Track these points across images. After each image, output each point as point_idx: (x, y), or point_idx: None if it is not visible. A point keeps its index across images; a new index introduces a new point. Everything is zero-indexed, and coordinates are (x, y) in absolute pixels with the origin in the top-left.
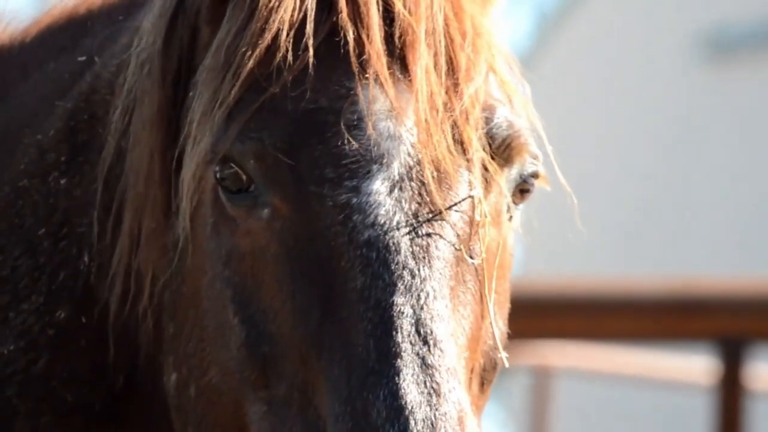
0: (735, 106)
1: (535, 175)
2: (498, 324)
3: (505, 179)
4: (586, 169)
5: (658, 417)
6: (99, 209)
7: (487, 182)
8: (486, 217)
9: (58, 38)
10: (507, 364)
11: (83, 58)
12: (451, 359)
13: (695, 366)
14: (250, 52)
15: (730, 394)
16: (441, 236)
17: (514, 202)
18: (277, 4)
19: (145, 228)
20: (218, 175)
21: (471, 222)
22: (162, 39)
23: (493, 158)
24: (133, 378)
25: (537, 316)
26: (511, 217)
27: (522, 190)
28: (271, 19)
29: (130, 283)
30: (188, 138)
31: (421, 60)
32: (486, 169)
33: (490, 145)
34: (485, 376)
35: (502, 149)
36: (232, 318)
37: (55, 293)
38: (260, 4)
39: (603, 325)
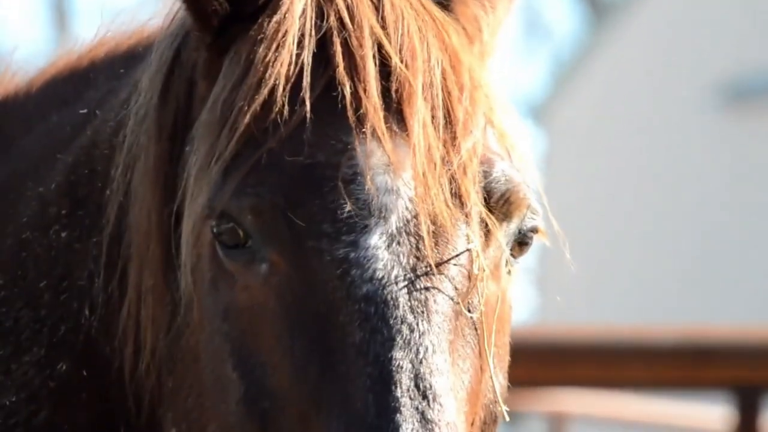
0: (755, 154)
1: (534, 230)
2: (498, 377)
3: (503, 233)
4: (597, 215)
5: None
6: (101, 264)
7: (485, 236)
8: (484, 270)
9: (61, 90)
10: (507, 418)
11: (84, 111)
12: (451, 413)
13: (711, 414)
14: (246, 107)
15: None
16: (439, 290)
17: (513, 256)
18: (273, 58)
19: (145, 283)
20: (215, 230)
21: (469, 276)
22: (158, 94)
23: (491, 212)
24: None
25: (552, 363)
26: (510, 270)
27: (521, 243)
28: (268, 74)
29: (140, 338)
30: (186, 193)
31: (418, 114)
32: (484, 222)
33: (488, 200)
34: (485, 429)
35: (500, 204)
36: (231, 373)
37: (56, 346)
38: (257, 59)
39: (618, 372)
